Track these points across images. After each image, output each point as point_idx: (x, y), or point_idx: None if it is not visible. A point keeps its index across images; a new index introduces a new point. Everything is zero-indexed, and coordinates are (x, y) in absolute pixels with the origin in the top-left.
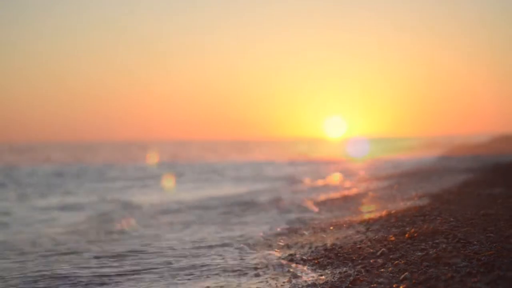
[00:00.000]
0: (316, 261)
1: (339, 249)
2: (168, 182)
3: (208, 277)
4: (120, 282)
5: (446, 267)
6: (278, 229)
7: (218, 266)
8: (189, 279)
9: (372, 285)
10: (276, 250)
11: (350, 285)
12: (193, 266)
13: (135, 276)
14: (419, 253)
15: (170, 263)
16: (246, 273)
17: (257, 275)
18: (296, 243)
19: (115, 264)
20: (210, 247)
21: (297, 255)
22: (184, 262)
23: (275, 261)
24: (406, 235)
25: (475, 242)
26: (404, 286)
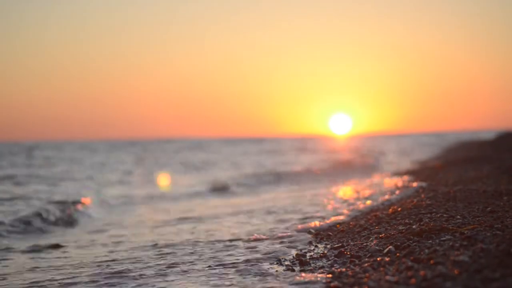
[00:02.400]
0: (325, 259)
1: (346, 247)
2: None
3: None
4: None
5: (454, 265)
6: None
7: None
8: None
9: (379, 283)
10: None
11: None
12: None
13: None
14: (427, 251)
15: None
16: None
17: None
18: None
19: None
20: None
21: (307, 255)
22: None
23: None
24: (413, 233)
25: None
26: (412, 283)
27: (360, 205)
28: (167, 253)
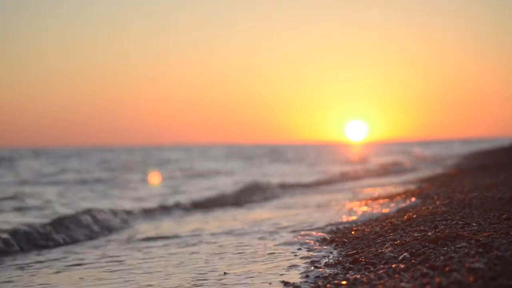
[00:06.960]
0: (339, 265)
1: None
2: None
3: None
4: None
5: (469, 272)
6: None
7: None
8: None
9: None
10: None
11: None
12: None
13: None
14: (442, 258)
15: None
16: None
17: None
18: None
19: None
20: None
21: (322, 262)
22: None
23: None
24: (428, 240)
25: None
26: None
27: None
28: None
